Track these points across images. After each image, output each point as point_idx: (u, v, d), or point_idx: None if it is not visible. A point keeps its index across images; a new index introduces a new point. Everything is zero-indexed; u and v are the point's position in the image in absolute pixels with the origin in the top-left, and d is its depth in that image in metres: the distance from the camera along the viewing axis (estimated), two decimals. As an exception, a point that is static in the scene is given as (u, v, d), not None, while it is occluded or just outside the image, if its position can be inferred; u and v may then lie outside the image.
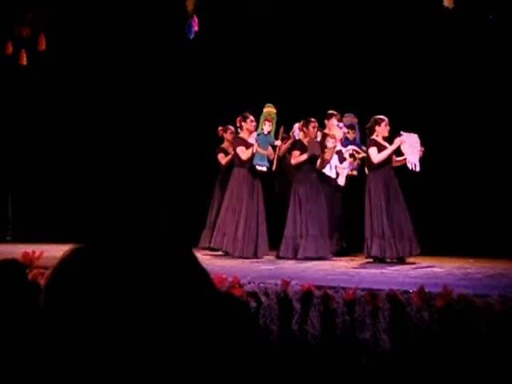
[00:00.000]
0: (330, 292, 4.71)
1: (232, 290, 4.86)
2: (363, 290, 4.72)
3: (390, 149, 7.91)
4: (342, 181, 8.63)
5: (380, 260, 7.66)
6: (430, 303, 4.62)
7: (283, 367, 4.62)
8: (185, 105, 10.50)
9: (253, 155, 8.19)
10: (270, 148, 8.30)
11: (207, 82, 10.18)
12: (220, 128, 9.16)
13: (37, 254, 5.42)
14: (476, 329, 4.36)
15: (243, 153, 8.24)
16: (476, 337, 4.34)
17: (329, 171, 8.52)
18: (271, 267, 6.85)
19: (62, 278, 0.94)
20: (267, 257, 8.08)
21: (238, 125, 8.51)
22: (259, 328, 4.70)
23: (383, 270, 6.77)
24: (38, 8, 8.48)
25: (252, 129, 8.36)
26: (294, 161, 8.28)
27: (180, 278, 0.98)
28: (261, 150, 8.19)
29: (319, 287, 4.77)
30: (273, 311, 4.79)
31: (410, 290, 4.69)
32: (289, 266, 7.24)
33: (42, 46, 8.74)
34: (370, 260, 7.75)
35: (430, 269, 6.95)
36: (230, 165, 8.66)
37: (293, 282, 4.84)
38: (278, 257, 8.01)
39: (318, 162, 8.30)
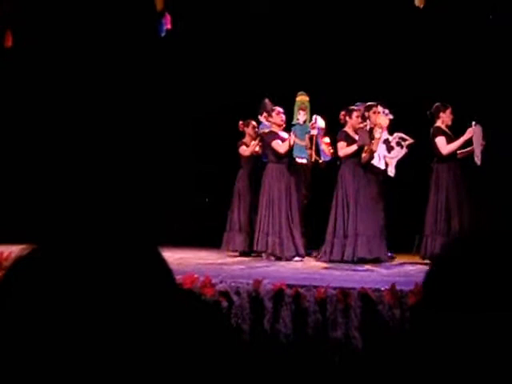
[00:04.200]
0: (302, 291, 4.70)
1: (204, 289, 4.84)
2: (335, 288, 4.72)
3: (462, 139, 7.33)
4: (392, 171, 7.89)
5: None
6: (401, 301, 4.64)
7: (255, 366, 4.60)
8: (197, 100, 10.30)
9: (291, 148, 7.73)
10: (307, 138, 7.80)
11: (224, 76, 10.03)
12: (241, 122, 8.68)
13: (5, 254, 5.34)
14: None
15: (280, 146, 7.73)
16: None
17: (377, 162, 7.83)
18: (243, 266, 6.83)
19: (15, 279, 0.91)
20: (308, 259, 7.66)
21: (265, 120, 8.10)
22: (229, 327, 4.67)
23: (355, 269, 6.77)
24: (3, 4, 8.34)
25: (280, 122, 7.92)
26: (341, 152, 7.60)
27: (139, 277, 0.95)
28: (299, 141, 7.70)
29: (291, 286, 4.76)
30: (244, 310, 4.78)
31: (382, 288, 4.70)
32: (261, 264, 7.22)
33: (9, 42, 8.59)
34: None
35: (401, 267, 6.97)
36: (252, 161, 8.38)
37: (264, 281, 4.82)
38: (329, 260, 7.34)
39: (364, 154, 7.67)
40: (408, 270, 6.69)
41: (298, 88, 8.11)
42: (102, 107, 10.05)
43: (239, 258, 7.85)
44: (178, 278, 5.01)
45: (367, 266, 6.97)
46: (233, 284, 4.88)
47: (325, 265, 7.18)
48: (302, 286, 4.77)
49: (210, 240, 8.60)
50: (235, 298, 4.81)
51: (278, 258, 7.52)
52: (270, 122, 8.03)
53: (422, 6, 7.35)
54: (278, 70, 9.57)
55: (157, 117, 10.35)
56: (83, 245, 0.94)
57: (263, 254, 7.71)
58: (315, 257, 7.73)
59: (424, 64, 9.16)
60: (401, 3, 7.36)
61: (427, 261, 7.32)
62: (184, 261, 7.19)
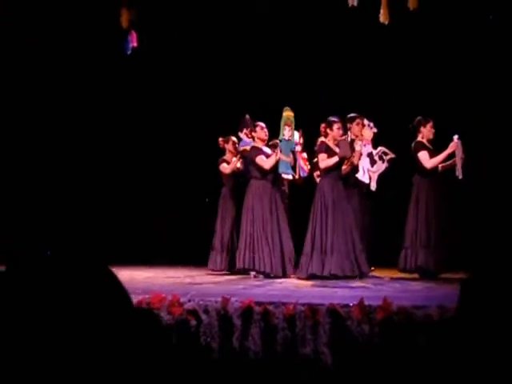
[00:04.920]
0: (271, 308, 4.68)
1: (171, 308, 4.79)
2: (303, 305, 4.70)
3: (446, 153, 7.38)
4: (374, 186, 7.93)
5: (428, 273, 7.17)
6: (370, 316, 4.64)
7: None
8: (175, 117, 10.26)
9: (276, 164, 7.67)
10: (291, 154, 7.79)
11: (202, 91, 10.01)
12: (221, 139, 8.63)
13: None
14: (415, 340, 4.39)
15: (265, 162, 7.66)
16: (416, 348, 4.36)
17: (362, 176, 7.85)
18: (211, 284, 6.79)
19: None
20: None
21: (248, 135, 8.04)
22: (199, 345, 4.64)
23: (324, 285, 6.77)
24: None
25: (264, 137, 7.86)
26: (322, 164, 7.53)
27: (92, 296, 0.96)
28: (284, 157, 7.65)
29: (259, 303, 4.74)
30: (213, 328, 4.74)
31: (350, 304, 4.70)
32: (229, 282, 7.18)
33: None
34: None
35: (369, 281, 6.97)
36: (233, 178, 8.35)
37: (233, 299, 4.79)
38: (307, 276, 7.25)
39: (344, 166, 7.63)
40: (376, 284, 6.71)
41: (277, 103, 8.07)
42: (69, 127, 9.97)
43: (209, 277, 7.79)
44: (146, 297, 4.96)
45: (340, 282, 6.95)
46: (201, 302, 4.84)
47: (299, 281, 7.13)
48: (271, 303, 4.75)
49: (200, 259, 8.57)
50: (204, 316, 4.77)
51: (267, 276, 7.42)
52: (253, 137, 7.93)
53: (386, 22, 7.43)
54: (254, 86, 9.57)
55: (131, 135, 10.30)
56: (36, 265, 0.94)
57: (251, 273, 7.59)
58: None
59: (404, 78, 9.22)
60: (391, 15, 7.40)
61: (405, 274, 7.36)
62: (152, 279, 7.14)
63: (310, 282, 6.97)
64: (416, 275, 7.35)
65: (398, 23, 7.73)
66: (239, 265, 7.63)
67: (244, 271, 7.70)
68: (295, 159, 7.95)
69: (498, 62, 8.74)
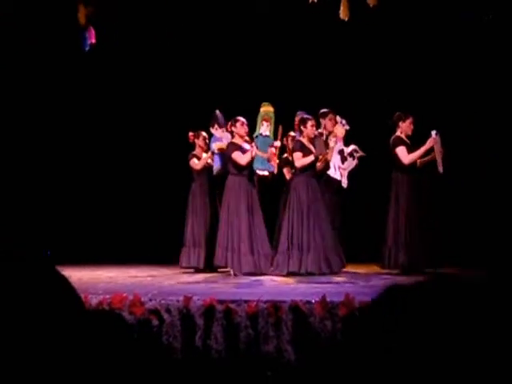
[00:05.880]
0: (233, 306, 4.66)
1: (133, 308, 4.74)
2: (266, 302, 4.69)
3: (423, 148, 7.32)
4: (345, 183, 7.89)
5: (411, 271, 6.98)
6: (332, 312, 4.64)
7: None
8: (146, 111, 10.13)
9: (252, 159, 7.55)
10: (269, 150, 7.63)
11: (174, 85, 9.89)
12: (191, 134, 8.51)
13: None
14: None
15: (241, 158, 7.54)
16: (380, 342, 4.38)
17: (333, 173, 7.79)
18: (172, 282, 6.73)
19: None
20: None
21: (228, 130, 7.88)
22: (161, 345, 4.60)
23: (287, 281, 6.77)
24: None
25: (243, 133, 7.71)
26: (298, 163, 7.46)
27: (38, 297, 0.93)
28: (260, 153, 7.53)
29: (221, 301, 4.71)
30: (175, 328, 4.70)
31: (313, 300, 4.70)
32: (192, 280, 7.14)
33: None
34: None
35: (331, 278, 6.98)
36: (204, 174, 8.28)
37: (195, 298, 4.76)
38: (286, 274, 7.24)
39: (319, 164, 7.59)
40: (339, 280, 6.72)
41: (249, 98, 8.03)
42: (26, 126, 9.81)
43: (169, 274, 7.74)
44: (107, 297, 4.90)
45: (299, 277, 6.96)
46: (163, 302, 4.79)
47: (281, 278, 7.08)
48: (233, 301, 4.72)
49: (168, 256, 8.48)
50: (166, 315, 4.73)
51: (246, 274, 7.34)
52: (232, 132, 7.81)
53: (346, 18, 7.45)
54: (224, 80, 9.52)
55: (100, 129, 10.18)
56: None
57: (231, 271, 7.50)
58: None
59: (382, 73, 9.27)
60: (357, 11, 7.39)
61: (385, 270, 7.35)
62: (114, 279, 7.06)
63: (292, 279, 6.93)
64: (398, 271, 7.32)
65: (376, 19, 7.77)
66: (217, 262, 7.57)
67: (221, 268, 7.69)
68: (276, 155, 7.77)
69: (470, 55, 8.82)
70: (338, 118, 7.82)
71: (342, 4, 7.39)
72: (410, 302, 0.98)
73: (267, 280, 6.98)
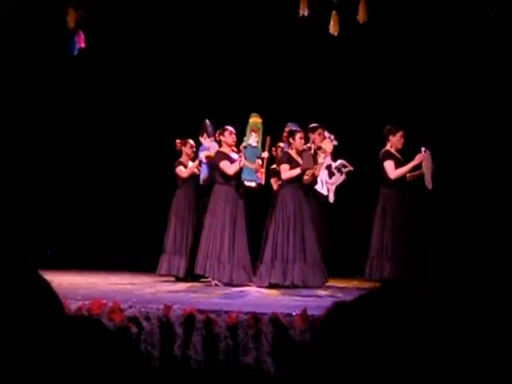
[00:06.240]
0: (213, 316, 4.62)
1: (112, 315, 4.69)
2: (246, 313, 4.66)
3: (411, 164, 7.32)
4: (332, 197, 7.93)
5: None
6: (313, 325, 4.62)
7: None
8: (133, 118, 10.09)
9: (240, 170, 7.54)
10: (257, 161, 7.64)
11: (162, 93, 9.86)
12: (178, 141, 8.51)
13: None
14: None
15: (229, 167, 7.53)
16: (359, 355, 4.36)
17: (320, 188, 7.83)
18: (153, 290, 6.69)
19: None
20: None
21: (216, 139, 7.89)
22: (139, 353, 4.55)
23: (269, 293, 6.75)
24: None
25: (231, 142, 7.72)
26: (285, 175, 7.48)
27: (19, 300, 0.92)
28: (248, 164, 7.52)
29: (202, 311, 4.68)
30: (154, 336, 4.65)
31: (293, 313, 4.68)
32: (173, 288, 7.10)
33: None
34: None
35: (314, 291, 6.97)
36: (189, 181, 8.27)
37: (175, 306, 4.72)
38: (267, 285, 7.23)
39: (306, 177, 7.56)
40: (320, 294, 6.71)
41: (239, 108, 8.05)
42: (14, 130, 9.75)
43: (150, 282, 7.69)
44: (87, 303, 4.85)
45: (282, 290, 6.94)
46: (142, 309, 4.75)
47: (262, 290, 7.08)
48: (213, 311, 4.69)
49: (147, 263, 8.42)
50: (145, 323, 4.69)
51: (228, 284, 7.33)
52: (220, 141, 7.81)
53: (336, 33, 7.48)
54: (214, 90, 9.51)
55: (85, 135, 10.13)
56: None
57: (212, 281, 7.46)
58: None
59: (374, 87, 9.30)
60: (347, 27, 7.42)
61: (368, 284, 7.33)
62: (94, 285, 7.00)
63: (273, 291, 6.91)
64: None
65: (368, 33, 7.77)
66: (197, 270, 7.52)
67: (201, 277, 7.65)
68: (263, 166, 7.77)
69: (470, 55, 8.79)
70: (327, 134, 7.82)
71: (332, 19, 7.44)
72: (354, 318, 1.00)
73: (250, 291, 6.97)
